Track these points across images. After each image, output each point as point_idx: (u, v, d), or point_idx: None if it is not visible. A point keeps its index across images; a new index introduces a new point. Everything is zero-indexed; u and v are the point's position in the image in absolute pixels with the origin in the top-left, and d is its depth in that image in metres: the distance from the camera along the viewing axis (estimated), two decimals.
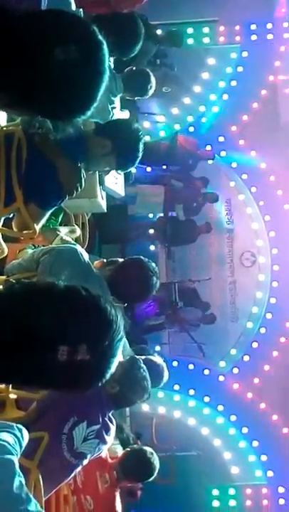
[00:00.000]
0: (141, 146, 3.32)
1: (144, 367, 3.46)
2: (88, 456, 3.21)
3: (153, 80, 4.87)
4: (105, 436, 3.26)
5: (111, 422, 3.33)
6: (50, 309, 1.49)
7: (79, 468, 3.25)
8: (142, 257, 3.54)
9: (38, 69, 1.48)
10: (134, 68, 4.88)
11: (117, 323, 1.54)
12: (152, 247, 8.59)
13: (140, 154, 3.32)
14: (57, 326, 1.48)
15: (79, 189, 3.13)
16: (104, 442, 3.27)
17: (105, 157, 3.23)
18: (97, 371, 1.53)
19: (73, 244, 3.56)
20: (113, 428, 3.34)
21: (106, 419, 3.29)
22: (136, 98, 5.47)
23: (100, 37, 1.53)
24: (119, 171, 3.77)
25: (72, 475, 3.28)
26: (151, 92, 4.91)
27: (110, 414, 3.35)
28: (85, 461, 3.23)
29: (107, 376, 1.55)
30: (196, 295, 8.34)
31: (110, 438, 3.34)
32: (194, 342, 7.97)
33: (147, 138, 7.62)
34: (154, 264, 3.52)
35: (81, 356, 1.46)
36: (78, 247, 3.42)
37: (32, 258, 3.38)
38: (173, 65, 7.84)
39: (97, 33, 1.53)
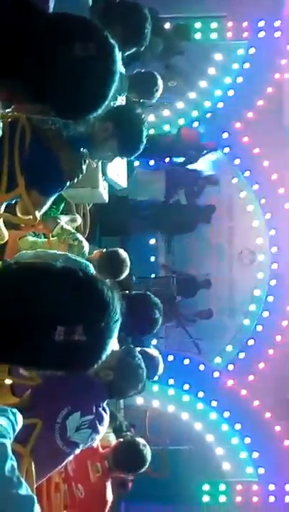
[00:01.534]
0: (143, 130, 3.29)
1: (140, 356, 3.48)
2: (80, 446, 3.22)
3: (160, 83, 4.88)
4: (98, 427, 3.27)
5: (105, 411, 3.34)
6: (47, 289, 1.50)
7: (71, 457, 3.26)
8: (148, 293, 3.61)
9: (57, 63, 1.53)
10: (142, 70, 4.91)
11: (114, 304, 1.55)
12: (152, 241, 8.60)
13: (143, 139, 3.28)
14: (53, 306, 1.49)
15: (80, 176, 3.13)
16: (97, 432, 3.28)
17: (107, 141, 3.21)
18: (94, 352, 1.55)
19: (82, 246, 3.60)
20: (107, 418, 3.35)
21: (100, 409, 3.30)
22: (141, 100, 5.45)
23: (113, 41, 1.61)
24: (122, 158, 3.75)
25: (64, 463, 3.29)
26: (157, 95, 4.94)
27: (104, 404, 3.36)
28: (78, 451, 3.24)
29: (103, 357, 1.56)
30: (195, 283, 8.32)
31: (103, 428, 3.35)
32: (190, 338, 7.98)
33: (151, 131, 7.62)
34: (158, 300, 3.58)
35: (78, 337, 1.47)
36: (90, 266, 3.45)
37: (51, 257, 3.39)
38: (182, 51, 7.80)
39: (110, 37, 1.61)
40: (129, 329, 3.43)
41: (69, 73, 1.54)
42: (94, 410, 3.25)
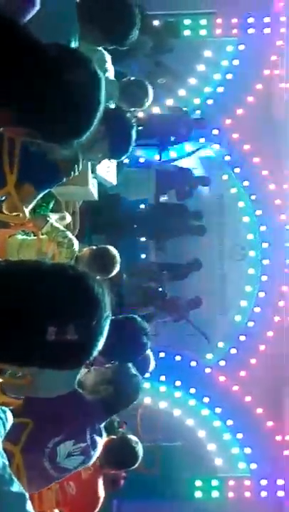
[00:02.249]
0: (133, 134, 3.36)
1: (131, 366, 3.48)
2: (71, 471, 3.22)
3: (150, 92, 4.82)
4: (91, 453, 3.24)
5: (100, 435, 3.31)
6: (37, 288, 1.50)
7: (59, 481, 3.26)
8: (135, 317, 3.66)
9: (43, 89, 1.56)
10: (131, 78, 4.88)
11: (104, 301, 1.55)
12: (143, 239, 8.60)
13: (133, 142, 3.36)
14: (44, 305, 1.48)
15: (76, 171, 3.14)
16: (90, 458, 3.25)
17: (98, 143, 3.24)
18: (85, 350, 1.55)
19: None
20: (101, 441, 3.32)
21: (94, 435, 3.26)
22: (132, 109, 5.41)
23: (100, 72, 1.67)
24: (111, 159, 3.77)
25: (50, 485, 3.30)
26: (147, 104, 4.90)
27: (101, 426, 3.32)
28: (67, 475, 3.24)
29: (95, 354, 1.56)
30: (184, 266, 8.34)
31: (96, 453, 3.32)
32: (197, 329, 8.04)
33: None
34: (146, 324, 3.64)
35: (69, 336, 1.48)
36: None
37: None
38: (171, 48, 7.79)
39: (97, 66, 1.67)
40: (114, 355, 3.34)
41: (55, 99, 1.58)
42: (88, 438, 3.22)
